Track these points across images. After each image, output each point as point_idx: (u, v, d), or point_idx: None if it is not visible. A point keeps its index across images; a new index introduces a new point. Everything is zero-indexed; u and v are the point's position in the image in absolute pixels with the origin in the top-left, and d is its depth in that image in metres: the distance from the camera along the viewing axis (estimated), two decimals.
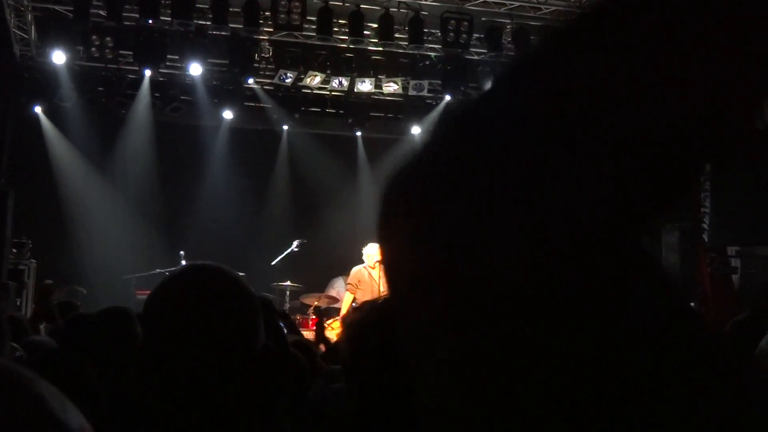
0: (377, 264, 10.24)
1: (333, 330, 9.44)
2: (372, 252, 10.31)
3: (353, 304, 9.72)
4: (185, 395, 1.36)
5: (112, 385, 2.84)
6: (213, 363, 1.36)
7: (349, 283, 10.53)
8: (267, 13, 12.06)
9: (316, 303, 11.04)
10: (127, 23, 11.95)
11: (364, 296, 10.14)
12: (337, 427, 3.08)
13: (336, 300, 11.44)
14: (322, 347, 7.55)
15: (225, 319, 1.40)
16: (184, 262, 10.86)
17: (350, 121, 14.20)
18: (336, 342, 6.37)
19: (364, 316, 2.04)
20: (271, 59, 13.14)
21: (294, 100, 13.82)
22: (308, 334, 9.35)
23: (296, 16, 11.89)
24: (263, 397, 2.22)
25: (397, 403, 1.84)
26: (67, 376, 2.90)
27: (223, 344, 1.38)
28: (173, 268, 10.41)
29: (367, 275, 10.31)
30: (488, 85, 0.52)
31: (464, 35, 12.43)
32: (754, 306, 7.74)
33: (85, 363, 2.90)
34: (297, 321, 8.83)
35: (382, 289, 10.06)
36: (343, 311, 10.52)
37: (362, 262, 10.45)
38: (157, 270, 10.97)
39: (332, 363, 4.95)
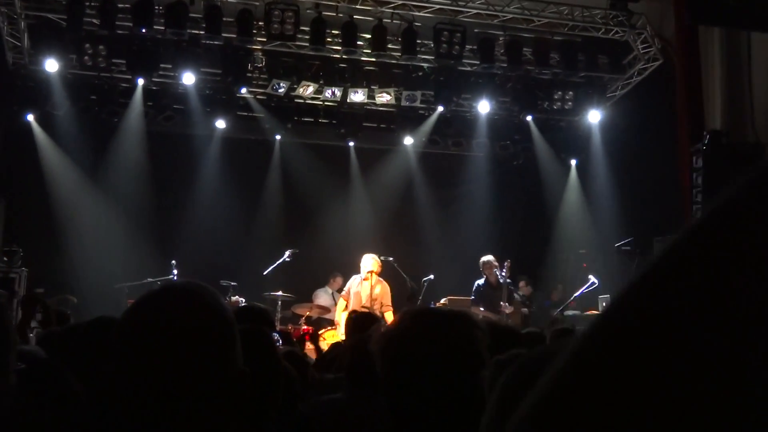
0: (370, 274, 10.27)
1: (325, 340, 9.43)
2: (366, 263, 10.35)
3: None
4: (154, 414, 1.34)
5: (100, 394, 2.82)
6: (183, 385, 1.34)
7: (345, 291, 10.64)
8: (260, 23, 12.09)
9: (308, 313, 11.03)
10: (121, 32, 11.96)
11: (354, 304, 10.18)
12: None
13: (327, 310, 11.44)
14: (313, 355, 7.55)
15: (197, 340, 1.37)
16: (176, 271, 10.84)
17: (343, 131, 14.20)
18: (328, 351, 6.35)
19: (398, 325, 2.02)
20: (264, 69, 13.16)
21: (287, 110, 13.82)
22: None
23: (289, 26, 11.91)
24: (250, 413, 2.21)
25: (433, 410, 1.83)
26: (51, 385, 2.87)
27: (193, 365, 1.36)
28: (165, 278, 10.44)
29: (358, 284, 10.36)
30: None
31: (457, 46, 12.47)
32: None
33: (68, 373, 2.87)
34: (289, 330, 8.80)
35: (369, 296, 10.09)
36: (336, 318, 10.53)
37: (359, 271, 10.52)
38: (149, 279, 10.93)
39: (323, 372, 4.94)
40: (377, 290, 10.29)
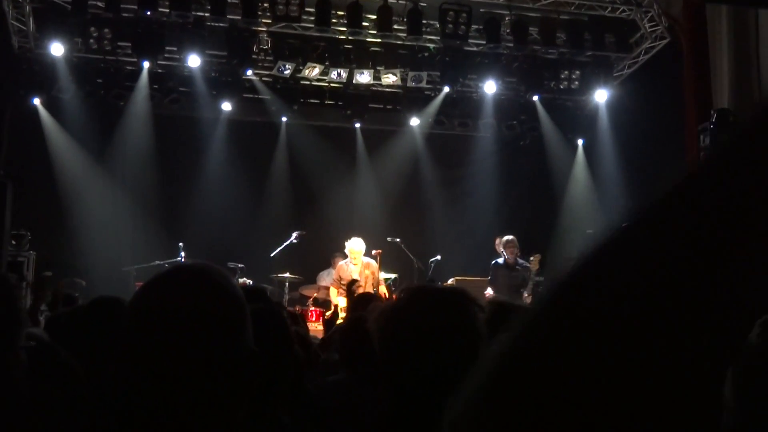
0: (355, 258, 10.23)
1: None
2: (354, 246, 10.29)
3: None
4: (163, 397, 1.35)
5: (101, 376, 2.84)
6: (193, 366, 1.34)
7: (334, 280, 10.56)
8: (265, 5, 12.04)
9: (315, 294, 11.07)
10: (126, 15, 11.95)
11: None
12: (334, 418, 3.09)
13: None
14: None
15: (207, 322, 1.37)
16: (183, 254, 10.88)
17: (349, 112, 14.17)
18: (332, 333, 6.37)
19: (395, 302, 2.03)
20: (270, 51, 13.12)
21: (292, 91, 13.79)
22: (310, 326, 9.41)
23: (294, 8, 11.87)
24: (258, 394, 2.22)
25: (429, 387, 1.83)
26: (52, 368, 2.89)
27: (203, 347, 1.36)
28: (173, 260, 10.47)
29: (348, 271, 10.31)
30: None
31: (463, 26, 12.41)
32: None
33: (69, 357, 2.89)
34: (297, 311, 8.83)
35: (360, 277, 10.08)
36: (334, 301, 10.48)
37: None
38: (156, 262, 10.98)
39: (326, 354, 4.97)
40: (366, 272, 10.27)
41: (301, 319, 7.29)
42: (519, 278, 10.67)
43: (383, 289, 9.99)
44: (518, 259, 10.78)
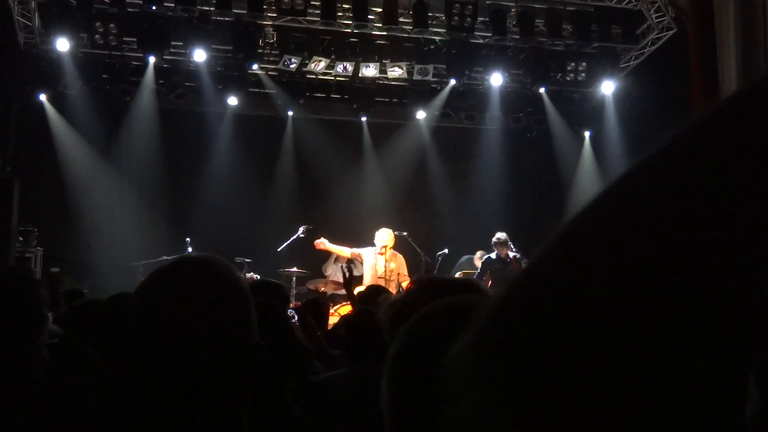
0: (384, 249, 10.30)
1: (338, 316, 9.48)
2: (382, 237, 10.37)
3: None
4: (169, 389, 1.34)
5: (118, 368, 2.85)
6: (198, 358, 1.33)
7: (354, 250, 10.71)
8: None
9: (322, 289, 11.06)
10: (131, 10, 11.96)
11: (366, 277, 10.26)
12: (339, 410, 3.08)
13: (341, 286, 11.44)
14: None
15: (212, 314, 1.36)
16: (190, 249, 10.89)
17: (355, 106, 14.16)
18: (337, 325, 6.37)
19: (406, 294, 2.01)
20: (276, 45, 13.12)
21: (298, 85, 13.78)
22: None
23: (300, 1, 11.88)
24: (265, 387, 2.21)
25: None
26: (71, 360, 2.91)
27: (208, 340, 1.35)
28: (179, 255, 10.49)
29: (372, 257, 10.38)
30: None
31: (469, 19, 12.39)
32: None
33: (87, 348, 2.90)
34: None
35: (385, 270, 10.15)
36: (336, 251, 10.73)
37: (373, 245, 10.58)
38: (164, 257, 10.92)
39: (332, 347, 4.96)
40: (392, 264, 10.31)
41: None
42: (513, 272, 10.68)
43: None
44: (511, 252, 10.80)
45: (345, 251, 10.85)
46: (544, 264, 0.46)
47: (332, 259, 12.20)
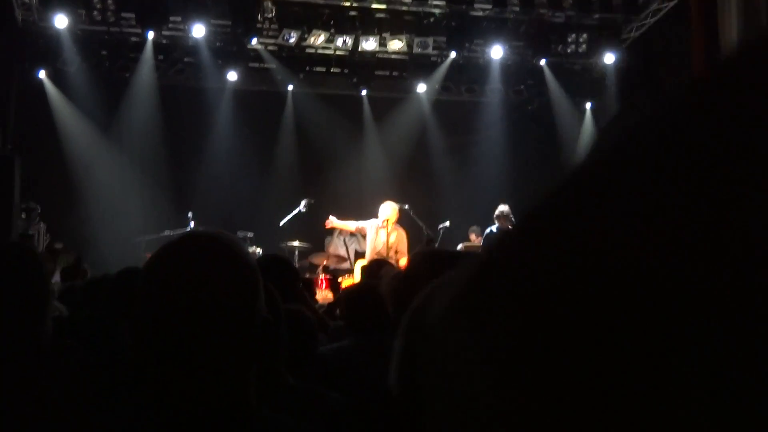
0: (386, 222, 10.30)
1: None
2: (385, 210, 10.34)
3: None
4: (176, 363, 1.35)
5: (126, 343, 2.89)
6: (206, 333, 1.35)
7: (359, 224, 10.70)
8: None
9: (324, 262, 11.09)
10: None
11: (367, 250, 10.30)
12: (342, 381, 3.11)
13: (344, 259, 11.48)
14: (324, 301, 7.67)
15: (220, 289, 1.37)
16: (192, 224, 10.91)
17: (355, 80, 14.12)
18: (338, 298, 6.41)
19: (409, 266, 2.02)
20: (275, 19, 13.04)
21: (298, 60, 13.73)
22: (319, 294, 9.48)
23: None
24: (271, 361, 2.24)
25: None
26: (99, 335, 2.95)
27: (217, 314, 1.36)
28: (182, 230, 10.50)
29: (374, 231, 10.38)
30: None
31: None
32: None
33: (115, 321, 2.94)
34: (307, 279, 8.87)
35: (385, 244, 10.16)
36: (340, 225, 10.81)
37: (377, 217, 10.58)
38: (166, 232, 11.00)
39: (332, 320, 5.00)
40: (392, 238, 10.31)
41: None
42: None
43: (404, 262, 9.99)
44: (511, 226, 10.74)
45: (350, 225, 10.87)
46: (526, 228, 0.45)
47: (335, 234, 12.21)
